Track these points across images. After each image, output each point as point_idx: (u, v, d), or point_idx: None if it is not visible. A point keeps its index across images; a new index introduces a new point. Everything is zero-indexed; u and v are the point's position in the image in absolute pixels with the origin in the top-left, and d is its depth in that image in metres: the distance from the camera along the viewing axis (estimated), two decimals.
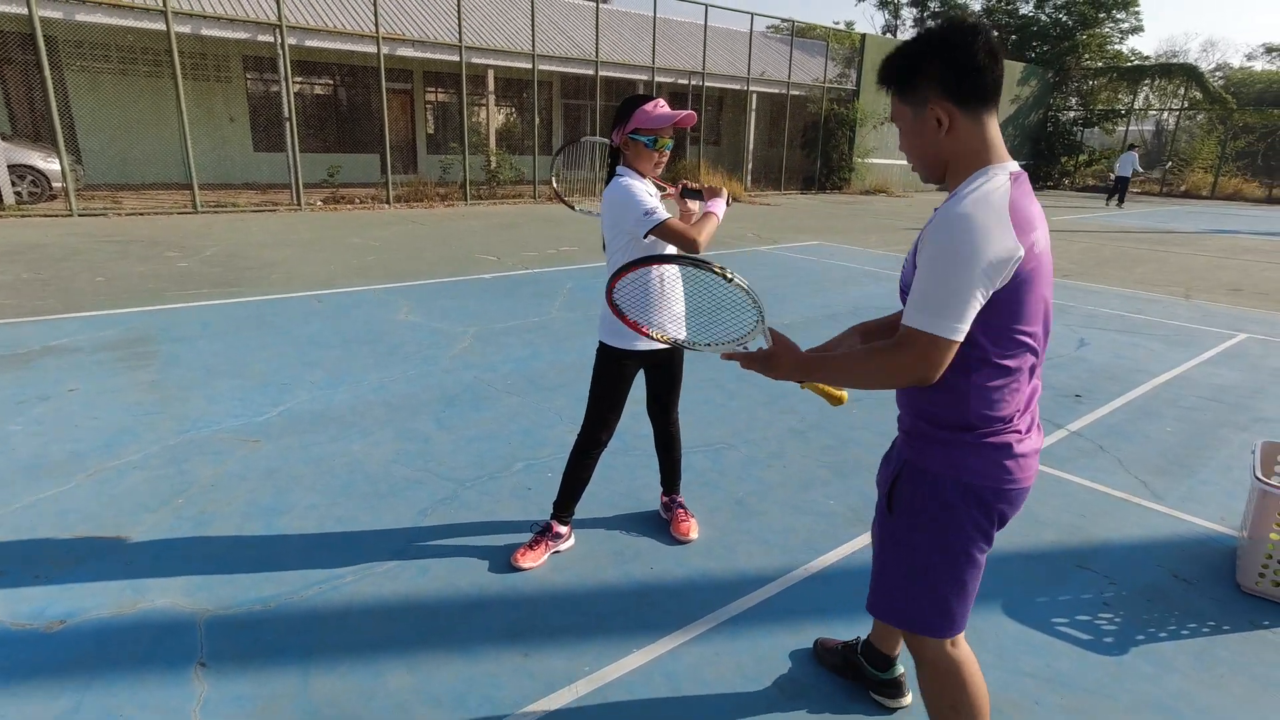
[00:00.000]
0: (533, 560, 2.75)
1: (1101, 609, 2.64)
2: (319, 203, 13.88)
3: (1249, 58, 52.82)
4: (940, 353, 1.44)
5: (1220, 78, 38.22)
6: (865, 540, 3.03)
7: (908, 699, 2.17)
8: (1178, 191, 28.38)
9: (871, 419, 4.35)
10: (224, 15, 12.59)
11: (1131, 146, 22.08)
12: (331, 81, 17.79)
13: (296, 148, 13.08)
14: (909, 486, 1.62)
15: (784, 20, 22.84)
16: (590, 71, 17.19)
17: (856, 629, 2.46)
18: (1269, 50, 43.76)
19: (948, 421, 1.55)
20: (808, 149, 22.44)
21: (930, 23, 37.82)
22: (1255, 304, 8.33)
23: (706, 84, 19.37)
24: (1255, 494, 2.72)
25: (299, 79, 16.75)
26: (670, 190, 2.69)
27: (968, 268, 1.38)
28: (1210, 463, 3.93)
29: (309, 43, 13.87)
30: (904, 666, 2.18)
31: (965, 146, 1.49)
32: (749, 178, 21.20)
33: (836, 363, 1.61)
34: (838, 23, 38.98)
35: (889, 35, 35.87)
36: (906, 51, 1.51)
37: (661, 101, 2.52)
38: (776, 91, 21.25)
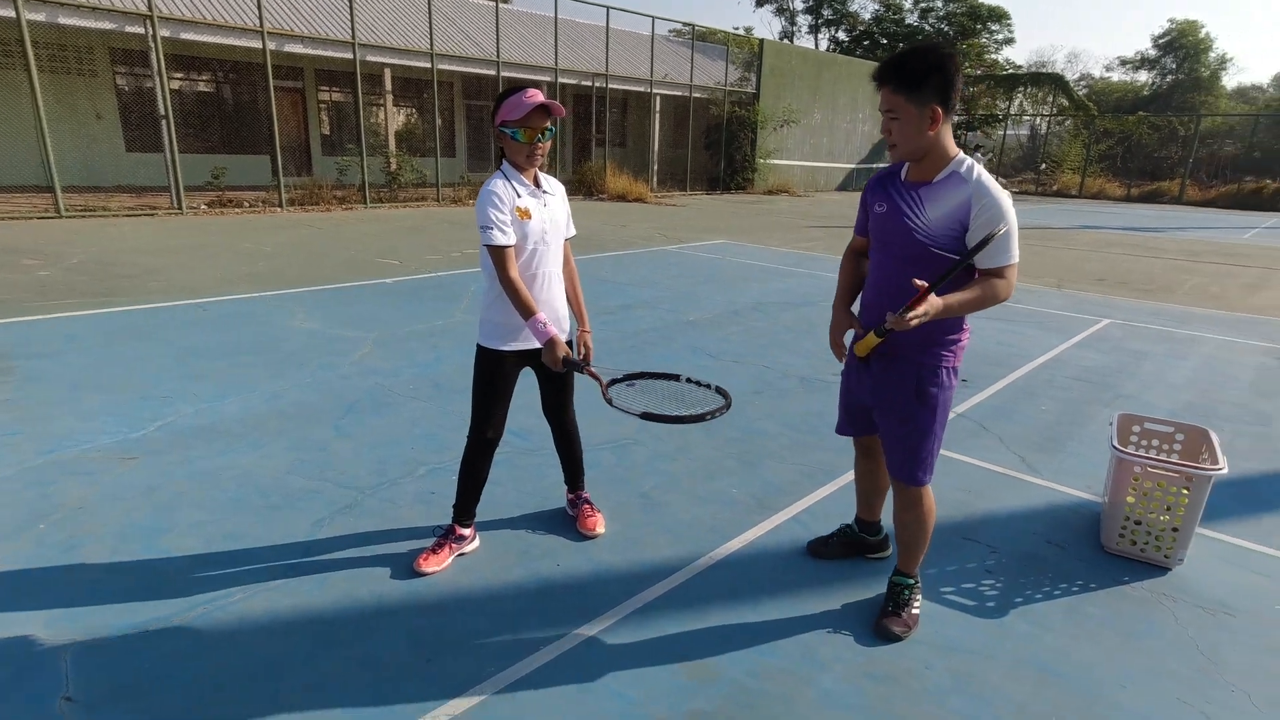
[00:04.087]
0: (436, 564, 2.68)
1: (984, 576, 2.81)
2: (203, 206, 13.07)
3: (1107, 69, 57.79)
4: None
5: (1084, 87, 41.58)
6: (770, 525, 3.11)
7: (890, 549, 2.84)
8: (1051, 190, 30.67)
9: (775, 409, 4.48)
10: (85, 4, 11.64)
11: (976, 147, 23.64)
12: (214, 78, 16.78)
13: (175, 148, 12.27)
14: (930, 381, 2.26)
15: (685, 24, 23.24)
16: (492, 72, 16.95)
17: (762, 610, 2.53)
18: (1123, 63, 48.05)
19: (956, 332, 2.26)
20: (711, 150, 22.90)
21: (826, 29, 39.33)
22: (1118, 292, 9.10)
23: (610, 85, 19.45)
24: (1113, 462, 2.97)
25: (177, 75, 15.70)
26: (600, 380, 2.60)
27: (1013, 213, 2.08)
28: (1079, 436, 4.26)
29: (186, 35, 13.03)
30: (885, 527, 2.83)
31: (942, 138, 2.07)
32: (655, 179, 21.43)
33: (961, 300, 2.10)
34: (737, 28, 39.94)
35: (786, 41, 37.10)
36: (918, 61, 2.00)
37: (535, 92, 2.41)
38: (679, 94, 21.57)
